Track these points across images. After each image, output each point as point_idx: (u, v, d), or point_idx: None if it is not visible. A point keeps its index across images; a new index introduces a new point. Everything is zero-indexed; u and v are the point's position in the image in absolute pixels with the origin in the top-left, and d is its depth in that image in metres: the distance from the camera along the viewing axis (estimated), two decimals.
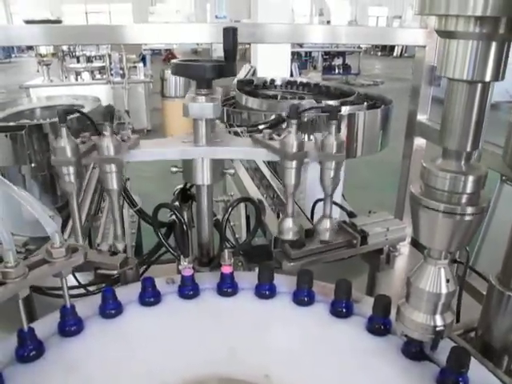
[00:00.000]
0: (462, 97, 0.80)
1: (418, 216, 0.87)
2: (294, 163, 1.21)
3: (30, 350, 0.98)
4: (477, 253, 3.33)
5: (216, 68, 1.23)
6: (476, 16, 0.70)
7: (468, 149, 0.82)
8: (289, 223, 1.27)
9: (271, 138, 1.29)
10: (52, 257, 1.00)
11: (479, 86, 0.78)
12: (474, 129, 0.81)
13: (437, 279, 0.90)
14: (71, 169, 1.18)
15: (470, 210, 0.83)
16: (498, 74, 0.76)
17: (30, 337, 0.99)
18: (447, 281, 0.89)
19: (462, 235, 0.85)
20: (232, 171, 1.40)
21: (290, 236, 1.27)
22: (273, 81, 3.02)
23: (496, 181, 2.96)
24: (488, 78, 0.76)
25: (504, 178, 2.21)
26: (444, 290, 0.90)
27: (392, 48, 27.84)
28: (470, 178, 0.82)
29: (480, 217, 0.84)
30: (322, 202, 1.39)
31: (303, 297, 1.16)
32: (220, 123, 1.57)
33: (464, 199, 0.83)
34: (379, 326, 1.06)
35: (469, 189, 0.82)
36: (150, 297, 1.15)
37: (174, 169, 1.37)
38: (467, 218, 0.83)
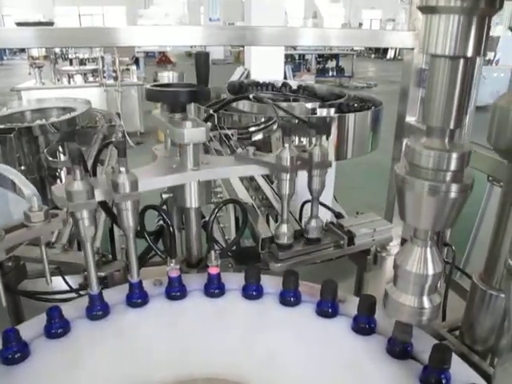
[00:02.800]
0: (444, 73, 0.80)
1: (403, 196, 0.87)
2: (289, 175, 1.29)
3: (14, 351, 0.98)
4: (468, 254, 3.36)
5: (189, 93, 1.27)
6: None
7: (451, 126, 0.82)
8: (284, 229, 1.35)
9: (255, 154, 1.36)
10: (30, 220, 0.97)
11: (461, 61, 0.79)
12: (457, 105, 0.81)
13: (423, 260, 0.89)
14: (85, 212, 1.03)
15: (454, 187, 0.82)
16: (480, 49, 0.77)
17: (14, 339, 0.98)
18: (433, 261, 0.89)
19: (448, 213, 0.85)
20: (220, 189, 1.42)
21: (285, 240, 1.35)
22: (265, 83, 3.04)
23: (485, 183, 2.99)
24: (470, 53, 0.76)
25: (491, 178, 2.22)
26: (431, 271, 0.89)
27: (385, 50, 27.99)
28: (454, 155, 0.82)
29: (465, 194, 0.84)
30: (310, 204, 1.42)
31: (289, 297, 1.17)
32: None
33: (448, 177, 0.83)
34: (364, 325, 1.07)
35: (453, 166, 0.82)
36: (137, 298, 1.16)
37: (165, 195, 1.39)
38: (452, 195, 0.83)
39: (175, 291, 1.19)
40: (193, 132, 1.21)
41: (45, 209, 0.98)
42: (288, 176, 1.29)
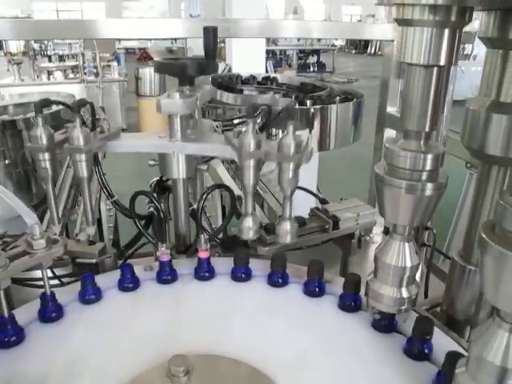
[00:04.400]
0: (419, 80, 0.86)
1: (383, 194, 0.93)
2: (252, 162, 1.17)
3: (10, 335, 1.00)
4: (449, 240, 3.46)
5: (198, 65, 1.28)
6: (430, 4, 0.77)
7: (426, 129, 0.88)
8: (248, 222, 1.23)
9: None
10: (32, 248, 1.02)
11: (435, 69, 0.85)
12: (432, 110, 0.87)
13: (402, 253, 0.95)
14: (46, 155, 1.23)
15: (429, 186, 0.89)
16: (452, 59, 0.83)
17: (10, 323, 1.01)
18: (411, 254, 0.95)
19: (424, 210, 0.91)
20: (205, 167, 1.42)
21: (250, 235, 1.24)
22: (234, 75, 3.06)
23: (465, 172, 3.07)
24: (442, 62, 0.82)
25: (469, 165, 2.30)
26: (408, 264, 0.95)
27: (366, 46, 28.22)
28: (429, 156, 0.88)
29: (439, 192, 0.90)
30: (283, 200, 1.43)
31: (277, 278, 1.21)
32: (205, 120, 1.59)
33: (424, 176, 0.89)
34: (350, 302, 1.12)
35: (428, 166, 0.88)
36: (128, 282, 1.19)
37: (152, 162, 1.40)
38: (427, 193, 0.89)
39: (166, 275, 1.22)
40: (168, 103, 1.22)
41: (46, 236, 1.03)
42: (251, 163, 1.16)
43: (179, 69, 1.30)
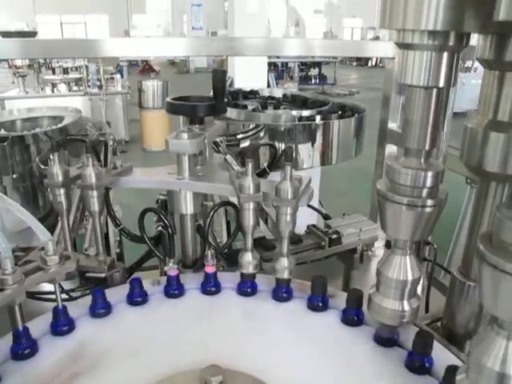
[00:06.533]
0: (419, 101, 0.90)
1: (385, 210, 0.96)
2: (251, 204, 1.20)
3: (24, 347, 1.04)
4: (451, 254, 3.48)
5: (207, 107, 1.36)
6: (429, 30, 0.81)
7: (427, 147, 0.92)
8: (248, 257, 1.26)
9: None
10: (46, 264, 1.06)
11: (434, 91, 0.89)
12: (432, 129, 0.91)
13: (403, 267, 0.98)
14: (61, 191, 1.31)
15: (429, 202, 0.92)
16: (450, 81, 0.87)
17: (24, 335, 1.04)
18: (412, 268, 0.98)
19: (424, 225, 0.95)
20: (211, 203, 1.48)
21: (249, 269, 1.27)
22: (251, 91, 3.11)
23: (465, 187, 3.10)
24: (441, 83, 0.87)
25: (469, 180, 2.34)
26: (410, 277, 0.98)
27: (367, 58, 28.40)
28: (429, 174, 0.92)
29: (439, 208, 0.94)
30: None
31: (282, 293, 1.24)
32: (216, 154, 1.67)
33: (424, 193, 0.93)
34: (352, 317, 1.14)
35: (428, 183, 0.92)
36: (137, 296, 1.22)
37: (161, 196, 1.46)
38: (427, 209, 0.93)
39: (173, 290, 1.25)
40: (176, 143, 1.29)
41: (59, 252, 1.07)
42: (251, 205, 1.19)
43: (190, 110, 1.38)
